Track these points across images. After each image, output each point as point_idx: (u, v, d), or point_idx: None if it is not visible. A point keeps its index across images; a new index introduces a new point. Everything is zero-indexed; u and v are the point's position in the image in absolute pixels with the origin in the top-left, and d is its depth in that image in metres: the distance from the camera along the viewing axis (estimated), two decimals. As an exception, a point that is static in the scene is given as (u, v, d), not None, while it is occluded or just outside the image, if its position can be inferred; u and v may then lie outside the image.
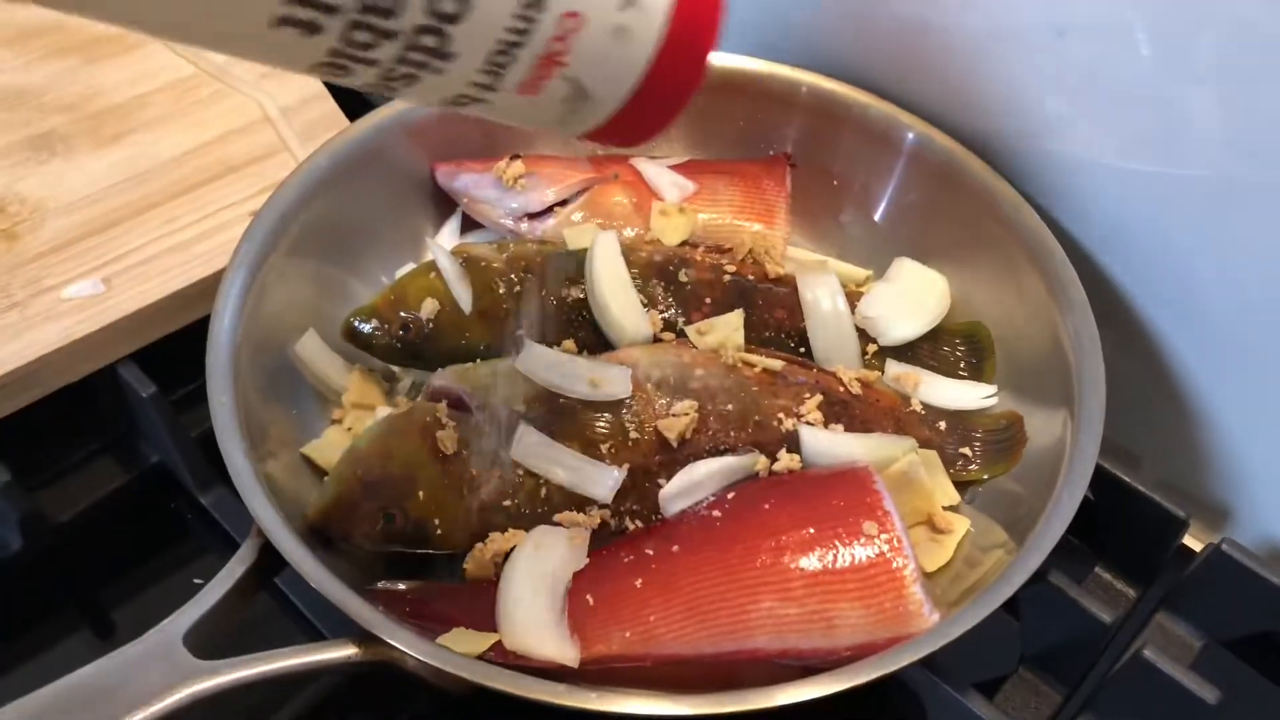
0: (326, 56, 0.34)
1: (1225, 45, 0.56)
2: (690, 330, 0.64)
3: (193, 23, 0.33)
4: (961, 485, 0.62)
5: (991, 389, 0.65)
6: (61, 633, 0.64)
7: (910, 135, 0.72)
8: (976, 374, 0.67)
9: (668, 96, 0.40)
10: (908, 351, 0.68)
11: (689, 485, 0.57)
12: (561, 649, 0.52)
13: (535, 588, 0.53)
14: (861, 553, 0.53)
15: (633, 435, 0.58)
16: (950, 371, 0.67)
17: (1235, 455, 0.68)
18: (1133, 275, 0.67)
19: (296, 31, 0.32)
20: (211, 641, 0.50)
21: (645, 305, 0.64)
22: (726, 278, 0.66)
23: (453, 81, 0.36)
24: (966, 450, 0.63)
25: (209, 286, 0.63)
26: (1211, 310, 0.64)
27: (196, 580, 0.65)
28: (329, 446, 0.61)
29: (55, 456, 0.69)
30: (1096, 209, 0.67)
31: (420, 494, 0.55)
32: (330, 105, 0.79)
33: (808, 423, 0.60)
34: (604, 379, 0.58)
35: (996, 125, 0.69)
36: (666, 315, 0.64)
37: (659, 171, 0.73)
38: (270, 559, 0.52)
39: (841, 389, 0.63)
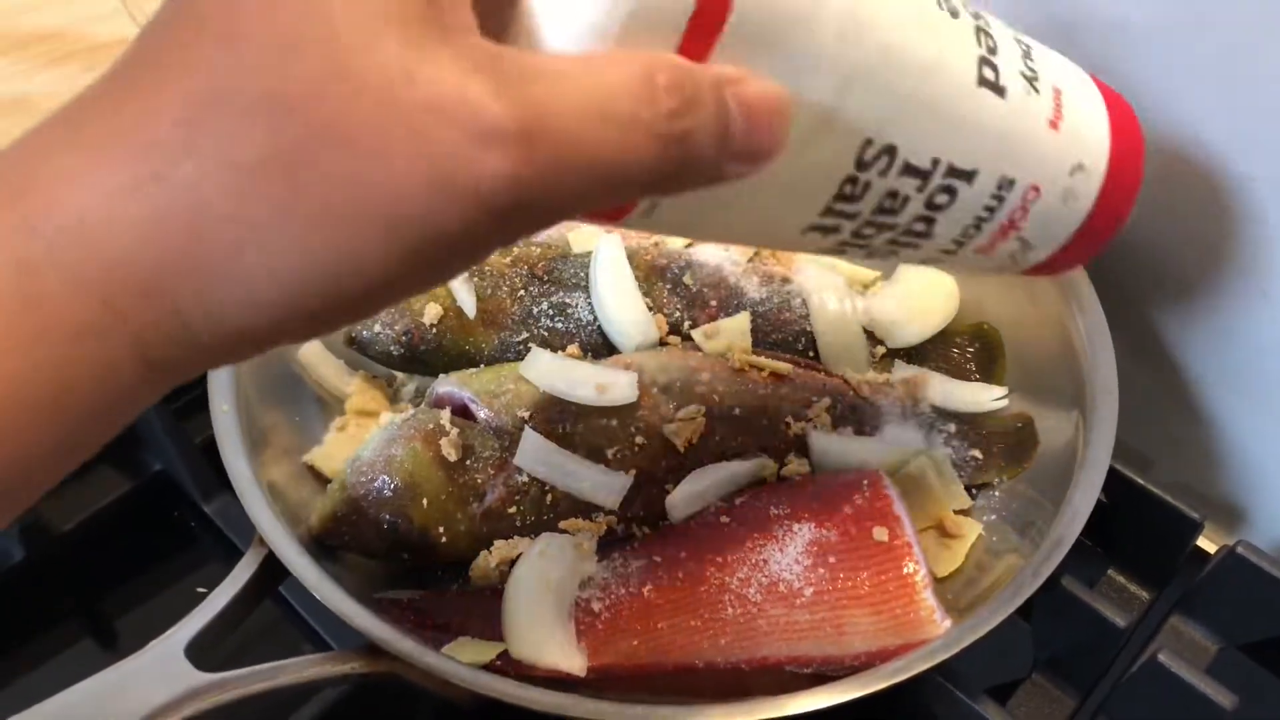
0: (835, 247, 0.40)
1: (1232, 38, 0.55)
2: (696, 334, 0.63)
3: (748, 237, 0.42)
4: (972, 489, 0.62)
5: (1002, 391, 0.65)
6: (64, 643, 0.64)
7: (917, 135, 0.71)
8: (987, 376, 0.66)
9: (1096, 238, 0.45)
10: (916, 353, 0.67)
11: (696, 491, 0.57)
12: (568, 658, 0.51)
13: (541, 596, 0.52)
14: (872, 559, 0.53)
15: (639, 441, 0.57)
16: (960, 373, 0.66)
17: (1249, 456, 0.67)
18: (1144, 274, 0.66)
19: (819, 234, 0.38)
20: (215, 651, 0.50)
21: (650, 309, 0.63)
22: (732, 280, 0.66)
23: (923, 253, 0.42)
24: (977, 453, 0.62)
25: (211, 293, 0.62)
26: (1225, 309, 0.63)
27: (200, 589, 0.64)
28: (332, 454, 0.61)
29: (57, 465, 0.68)
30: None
31: (424, 502, 0.54)
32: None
33: (816, 426, 0.60)
34: (609, 384, 0.57)
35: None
36: (672, 319, 0.64)
37: (663, 174, 0.72)
38: (273, 568, 0.51)
39: (850, 392, 0.62)
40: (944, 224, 0.40)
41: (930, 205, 0.39)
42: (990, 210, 0.40)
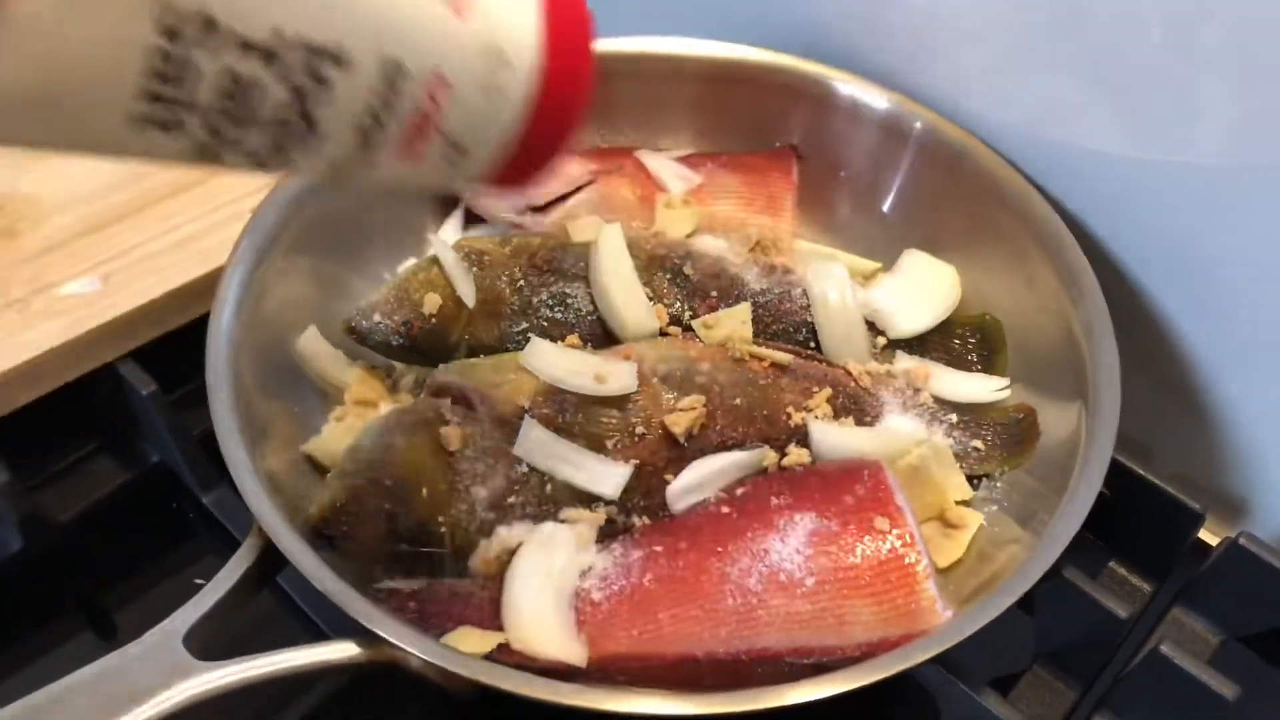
0: (196, 150, 0.33)
1: (1235, 28, 0.55)
2: (697, 324, 0.63)
3: (62, 136, 0.32)
4: (974, 479, 0.61)
5: (1004, 381, 0.64)
6: (63, 634, 0.63)
7: (918, 125, 0.71)
8: (988, 366, 0.66)
9: (542, 147, 0.40)
10: (918, 344, 0.67)
11: (697, 481, 0.56)
12: (568, 648, 0.51)
13: (541, 586, 0.52)
14: (873, 549, 0.52)
15: (639, 431, 0.57)
16: (961, 364, 0.66)
17: (1252, 447, 0.67)
18: (1146, 263, 0.66)
19: (157, 131, 0.32)
20: (214, 641, 0.49)
21: (651, 299, 0.63)
22: (733, 270, 0.65)
23: (328, 158, 0.36)
24: (979, 444, 0.62)
25: (209, 284, 0.62)
26: (1226, 298, 0.63)
27: (198, 581, 0.64)
28: (331, 444, 0.60)
29: (56, 455, 0.68)
30: (1108, 198, 0.66)
31: (424, 492, 0.54)
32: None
33: (817, 417, 0.59)
34: (609, 374, 0.57)
35: (1006, 114, 0.68)
36: (672, 309, 0.64)
37: (664, 164, 0.72)
38: (271, 558, 0.51)
39: (851, 382, 0.62)
40: (328, 118, 0.34)
41: (298, 93, 0.33)
42: (385, 102, 0.35)
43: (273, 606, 0.61)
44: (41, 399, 0.63)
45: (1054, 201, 0.66)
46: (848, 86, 0.72)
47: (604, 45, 0.74)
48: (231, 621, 0.51)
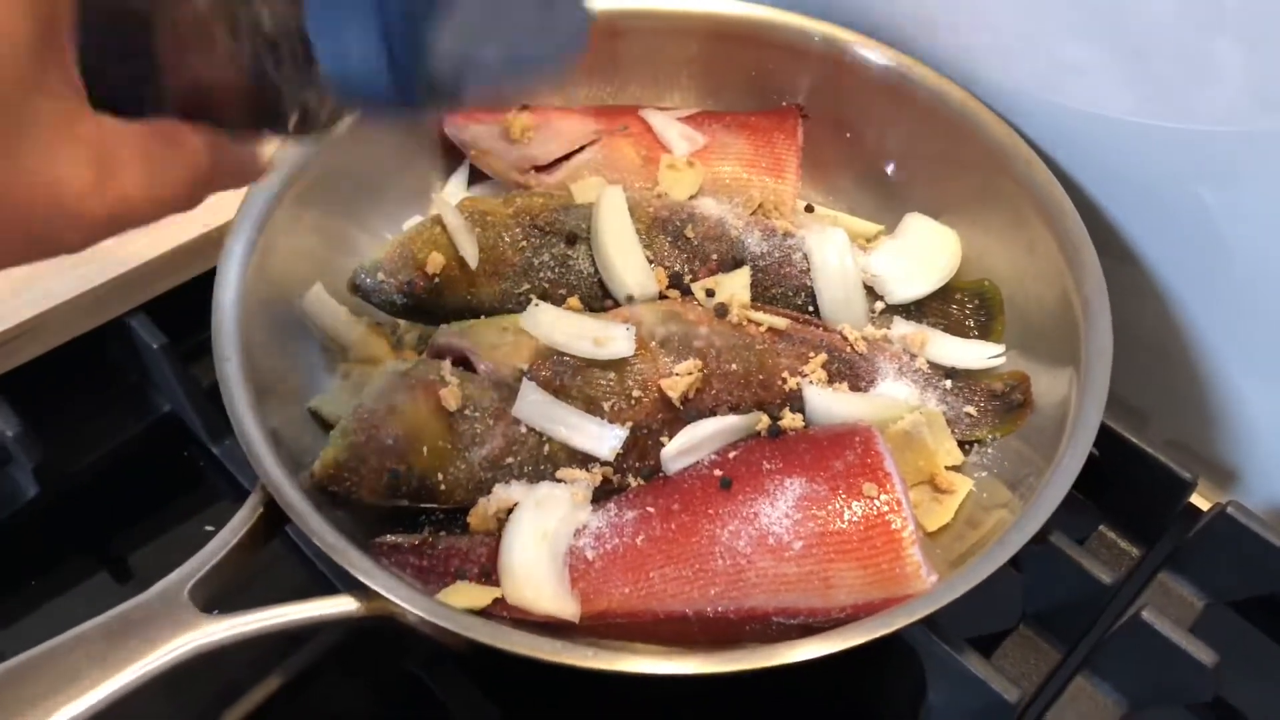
0: None
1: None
2: (696, 287, 0.63)
3: None
4: (965, 444, 0.62)
5: (999, 348, 0.65)
6: (77, 578, 0.65)
7: (925, 88, 0.70)
8: (985, 332, 0.67)
9: None
10: (916, 308, 0.67)
11: (691, 444, 0.57)
12: (562, 604, 0.52)
13: (537, 544, 0.54)
14: (861, 514, 0.54)
15: (636, 394, 0.58)
16: (958, 329, 0.67)
17: (1246, 415, 0.67)
18: (1146, 231, 0.66)
19: None
20: (221, 592, 0.51)
21: (651, 261, 0.64)
22: (734, 233, 0.66)
23: None
24: (971, 410, 0.63)
25: (217, 238, 0.63)
26: (1226, 266, 0.63)
27: (208, 528, 0.65)
28: (336, 400, 0.62)
29: (69, 406, 0.70)
30: (1111, 163, 0.65)
31: (424, 450, 0.55)
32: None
33: (811, 382, 0.60)
34: (608, 338, 0.58)
35: (1013, 76, 0.67)
36: (673, 272, 0.64)
37: (668, 124, 0.72)
38: (275, 514, 0.52)
39: (846, 348, 0.62)
40: None
41: None
42: None
43: (278, 554, 0.63)
44: (55, 350, 0.65)
45: (1056, 167, 0.66)
46: (854, 46, 0.72)
47: (612, 0, 0.74)
48: (237, 574, 0.52)
